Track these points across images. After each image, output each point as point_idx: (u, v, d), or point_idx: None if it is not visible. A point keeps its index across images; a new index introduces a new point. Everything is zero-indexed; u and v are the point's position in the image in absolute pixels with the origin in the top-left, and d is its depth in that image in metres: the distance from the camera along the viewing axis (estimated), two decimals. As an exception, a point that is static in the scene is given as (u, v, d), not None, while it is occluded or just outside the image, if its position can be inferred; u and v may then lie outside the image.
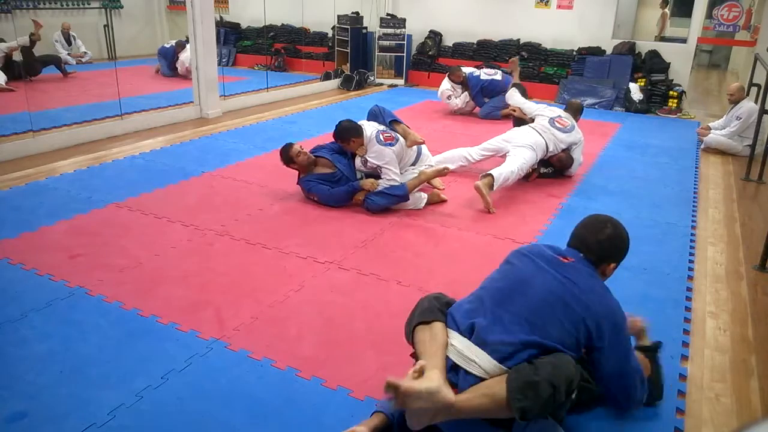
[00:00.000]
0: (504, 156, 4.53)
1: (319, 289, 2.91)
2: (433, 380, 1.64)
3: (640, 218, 4.02)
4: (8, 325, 2.51)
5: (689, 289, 3.08)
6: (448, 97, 7.23)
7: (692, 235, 3.79)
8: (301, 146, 3.99)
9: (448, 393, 1.63)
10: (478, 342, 1.75)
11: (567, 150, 4.69)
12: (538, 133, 4.58)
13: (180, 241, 3.38)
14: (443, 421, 1.69)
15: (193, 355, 2.34)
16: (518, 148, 4.45)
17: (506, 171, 4.19)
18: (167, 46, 9.13)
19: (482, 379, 1.70)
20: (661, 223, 3.94)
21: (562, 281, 1.80)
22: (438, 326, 1.84)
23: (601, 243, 1.92)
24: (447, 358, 1.75)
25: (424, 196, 4.06)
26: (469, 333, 1.79)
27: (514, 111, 5.36)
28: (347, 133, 3.89)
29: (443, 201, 4.14)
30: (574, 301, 1.77)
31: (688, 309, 2.89)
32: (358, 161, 3.97)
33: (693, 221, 4.02)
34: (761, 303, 3.00)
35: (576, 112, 4.96)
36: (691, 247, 3.59)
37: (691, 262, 3.40)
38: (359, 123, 3.97)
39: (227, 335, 2.49)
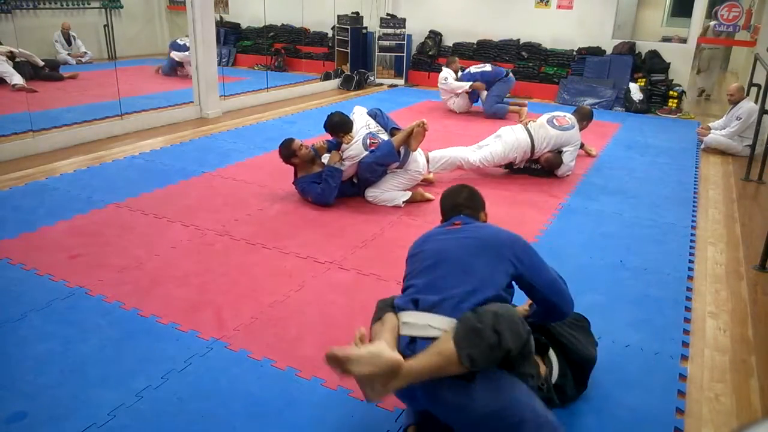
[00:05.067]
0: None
1: (319, 289, 2.91)
2: (377, 344, 1.67)
3: (640, 218, 4.01)
4: (8, 325, 2.51)
5: (689, 289, 3.08)
6: (445, 79, 7.24)
7: (692, 235, 3.79)
8: (302, 145, 4.01)
9: (393, 354, 1.63)
10: (425, 306, 1.81)
11: (557, 151, 4.73)
12: (527, 130, 4.74)
13: (180, 241, 3.38)
14: (406, 388, 1.69)
15: (193, 355, 2.34)
16: (497, 140, 4.73)
17: (447, 154, 4.58)
18: (180, 42, 8.90)
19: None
20: (661, 223, 3.94)
21: (466, 238, 1.96)
22: (388, 316, 1.89)
23: (467, 200, 2.18)
24: (402, 336, 1.79)
25: (408, 194, 4.08)
26: (415, 307, 1.84)
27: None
28: (339, 128, 4.03)
29: (429, 200, 4.16)
30: (486, 245, 1.92)
31: (688, 309, 2.89)
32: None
33: (693, 221, 4.02)
34: (761, 303, 3.00)
35: (582, 117, 4.97)
36: (691, 247, 3.59)
37: (691, 262, 3.40)
38: (351, 115, 4.13)
39: (227, 335, 2.49)
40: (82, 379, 2.19)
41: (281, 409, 2.08)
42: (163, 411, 2.04)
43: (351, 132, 4.01)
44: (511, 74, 7.20)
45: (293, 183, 4.12)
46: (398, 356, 1.63)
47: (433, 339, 1.71)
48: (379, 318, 1.91)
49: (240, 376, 2.24)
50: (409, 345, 1.75)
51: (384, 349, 1.64)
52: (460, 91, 7.17)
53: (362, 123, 4.09)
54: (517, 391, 1.73)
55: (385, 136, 4.08)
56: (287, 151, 4.01)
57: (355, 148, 3.96)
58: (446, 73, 7.28)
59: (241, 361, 2.33)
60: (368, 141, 3.98)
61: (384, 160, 3.97)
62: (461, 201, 2.18)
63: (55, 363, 2.27)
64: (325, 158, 4.07)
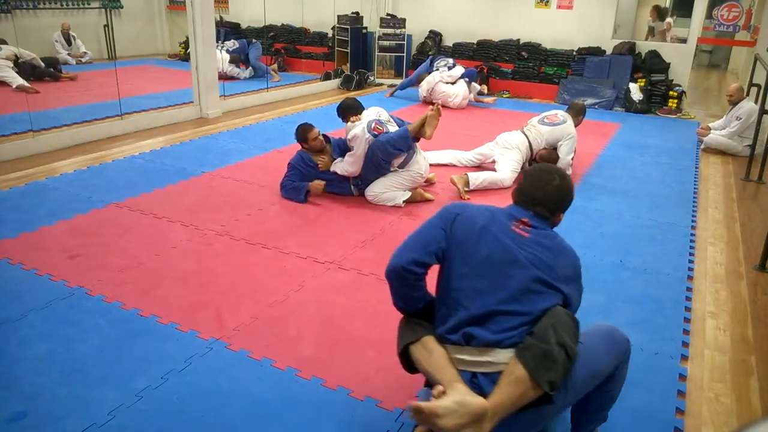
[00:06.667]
0: (493, 161, 4.76)
1: (319, 289, 2.91)
2: (458, 391, 1.59)
3: (640, 218, 4.01)
4: (8, 325, 2.51)
5: (689, 289, 3.08)
6: (444, 81, 7.60)
7: (692, 235, 3.79)
8: (320, 133, 4.14)
9: (478, 400, 1.57)
10: (481, 344, 1.69)
11: (551, 147, 4.75)
12: (522, 132, 4.79)
13: (180, 241, 3.38)
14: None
15: (193, 355, 2.34)
16: (504, 150, 4.71)
17: (489, 177, 4.48)
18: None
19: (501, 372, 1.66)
20: (661, 223, 3.94)
21: (533, 261, 1.75)
22: (429, 340, 1.76)
23: (551, 196, 1.88)
24: (463, 372, 1.69)
25: (408, 193, 4.08)
26: (467, 341, 1.71)
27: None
28: (350, 110, 4.17)
29: (429, 200, 4.16)
30: (551, 278, 1.76)
31: (688, 309, 2.89)
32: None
33: (693, 221, 4.02)
34: (761, 303, 3.00)
35: (576, 112, 4.99)
36: (691, 247, 3.59)
37: (691, 262, 3.40)
38: (366, 109, 4.21)
39: (227, 335, 2.49)
40: (82, 379, 2.19)
41: (281, 409, 2.08)
42: (163, 411, 2.04)
43: (359, 115, 4.10)
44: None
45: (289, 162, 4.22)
46: (483, 400, 1.57)
47: (494, 373, 1.65)
48: (417, 339, 1.77)
49: (240, 376, 2.24)
50: (472, 380, 1.67)
51: (467, 395, 1.57)
52: (459, 74, 7.56)
53: (373, 112, 4.16)
54: (584, 369, 1.70)
55: (393, 128, 4.11)
56: (303, 136, 4.13)
57: (358, 127, 3.95)
58: (432, 79, 7.65)
59: (241, 361, 2.33)
60: (373, 125, 3.98)
61: (398, 142, 3.94)
62: (541, 197, 1.87)
63: (55, 363, 2.27)
64: (334, 165, 4.11)
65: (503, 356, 1.66)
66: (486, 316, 1.71)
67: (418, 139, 4.07)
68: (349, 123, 4.08)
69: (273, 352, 2.38)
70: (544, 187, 1.88)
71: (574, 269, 1.84)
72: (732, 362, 2.49)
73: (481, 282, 1.75)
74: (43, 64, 8.02)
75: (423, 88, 7.75)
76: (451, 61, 7.88)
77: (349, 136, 4.01)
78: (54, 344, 2.39)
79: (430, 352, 1.74)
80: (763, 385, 2.34)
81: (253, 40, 9.48)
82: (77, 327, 2.51)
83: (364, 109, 4.21)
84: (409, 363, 1.85)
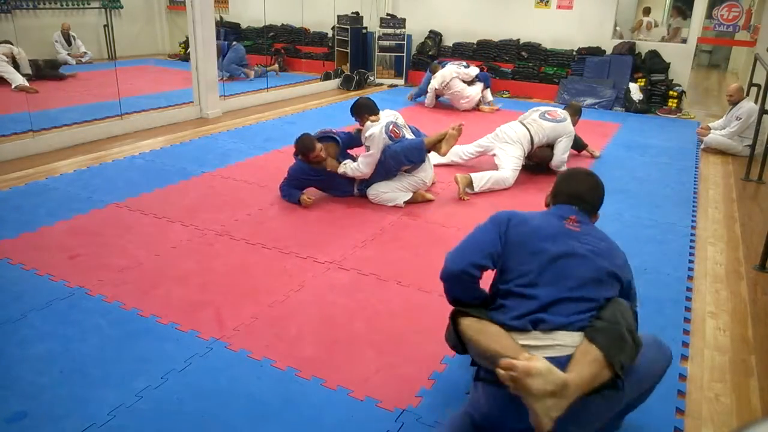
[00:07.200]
0: (493, 154, 4.75)
1: (319, 289, 2.91)
2: (542, 360, 1.57)
3: (640, 218, 4.01)
4: (8, 325, 2.51)
5: (689, 289, 3.08)
6: (457, 75, 7.47)
7: (692, 235, 3.79)
8: (321, 148, 3.95)
9: (560, 372, 1.56)
10: (550, 328, 1.69)
11: (548, 145, 4.76)
12: (524, 125, 4.77)
13: (180, 241, 3.38)
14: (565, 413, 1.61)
15: (192, 355, 2.34)
16: (505, 145, 4.67)
17: (494, 176, 4.46)
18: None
19: (570, 356, 1.66)
20: (661, 223, 3.94)
21: (589, 254, 1.82)
22: (495, 329, 1.72)
23: (590, 193, 2.00)
24: None
25: (408, 194, 4.08)
26: (534, 326, 1.71)
27: None
28: (366, 109, 4.09)
29: (429, 200, 4.16)
30: (613, 265, 1.85)
31: (688, 309, 2.89)
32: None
33: (693, 221, 4.02)
34: (761, 303, 3.00)
35: (574, 111, 5.02)
36: (691, 247, 3.59)
37: (691, 262, 3.40)
38: (382, 111, 4.15)
39: (227, 335, 2.49)
40: (82, 379, 2.19)
41: (281, 409, 2.08)
42: (163, 411, 2.04)
43: (377, 115, 4.05)
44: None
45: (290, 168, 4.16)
46: (566, 375, 1.56)
47: (564, 356, 1.64)
48: (474, 316, 1.75)
49: (240, 376, 2.24)
50: None
51: (552, 365, 1.56)
52: (474, 74, 7.53)
53: (390, 114, 4.13)
54: (644, 364, 1.76)
55: (408, 134, 4.10)
56: (303, 152, 3.95)
57: (376, 127, 3.93)
58: (448, 71, 7.48)
59: (241, 361, 2.33)
60: (390, 127, 3.98)
61: (412, 153, 3.95)
62: (583, 193, 1.97)
63: (55, 363, 2.27)
64: (343, 165, 4.05)
65: (571, 339, 1.67)
66: (555, 302, 1.73)
67: (430, 151, 4.08)
68: (368, 122, 4.01)
69: (273, 352, 2.38)
70: (584, 184, 2.00)
71: (623, 259, 1.94)
72: (732, 362, 2.49)
73: (545, 276, 1.79)
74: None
75: (437, 80, 7.47)
76: (464, 63, 7.82)
77: (366, 134, 3.97)
78: (54, 344, 2.39)
79: (497, 333, 1.69)
80: (763, 385, 2.34)
81: (234, 43, 9.23)
82: (77, 327, 2.51)
83: (380, 110, 4.14)
84: (462, 343, 1.83)
